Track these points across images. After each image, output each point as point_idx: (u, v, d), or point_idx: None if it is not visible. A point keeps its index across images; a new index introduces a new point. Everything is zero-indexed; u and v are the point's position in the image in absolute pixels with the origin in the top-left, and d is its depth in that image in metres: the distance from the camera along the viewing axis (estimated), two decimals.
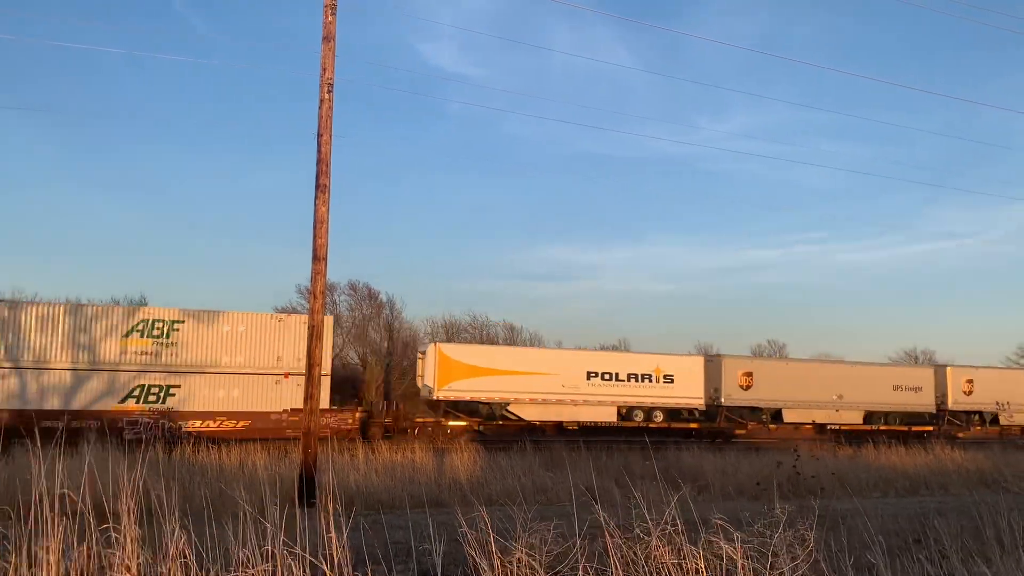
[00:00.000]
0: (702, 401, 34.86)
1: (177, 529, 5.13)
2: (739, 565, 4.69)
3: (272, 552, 4.97)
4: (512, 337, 56.26)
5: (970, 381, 39.97)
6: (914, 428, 37.78)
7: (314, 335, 14.62)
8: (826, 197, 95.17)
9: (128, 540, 5.13)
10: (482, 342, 50.72)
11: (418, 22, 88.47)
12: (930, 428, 38.57)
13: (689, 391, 34.67)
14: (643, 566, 4.93)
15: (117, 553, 5.07)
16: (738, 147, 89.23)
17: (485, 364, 32.74)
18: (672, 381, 34.37)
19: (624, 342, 61.66)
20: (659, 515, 5.40)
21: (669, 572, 4.82)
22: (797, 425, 36.58)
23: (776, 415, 36.13)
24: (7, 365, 25.12)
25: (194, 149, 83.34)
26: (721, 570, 4.83)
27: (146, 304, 37.12)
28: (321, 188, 14.73)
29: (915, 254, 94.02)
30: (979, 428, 40.24)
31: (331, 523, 5.06)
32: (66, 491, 5.35)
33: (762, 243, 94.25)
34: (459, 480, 16.41)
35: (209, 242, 79.91)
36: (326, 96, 14.92)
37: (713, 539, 4.92)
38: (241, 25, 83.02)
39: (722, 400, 34.71)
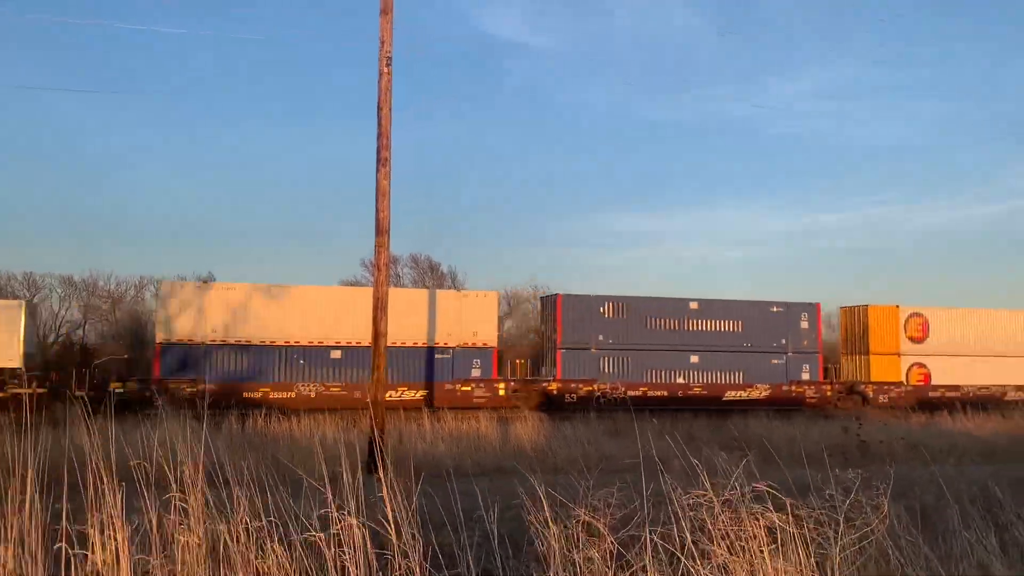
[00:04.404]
0: None
1: (242, 495, 5.29)
2: (806, 529, 4.61)
3: (336, 518, 5.08)
4: None
5: None
6: None
7: (379, 307, 14.80)
8: (899, 155, 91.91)
9: (197, 506, 5.30)
10: None
11: None
12: None
13: None
14: (708, 530, 4.89)
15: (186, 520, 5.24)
16: (806, 108, 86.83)
17: None
18: None
19: None
20: (725, 481, 5.35)
21: (734, 536, 4.76)
22: None
23: None
24: None
25: (258, 124, 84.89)
26: (788, 536, 4.75)
27: (214, 280, 37.70)
28: (382, 161, 14.83)
29: (994, 213, 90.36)
30: None
31: (394, 489, 5.14)
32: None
33: (830, 207, 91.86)
34: (524, 449, 16.51)
35: (274, 216, 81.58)
36: (385, 69, 14.96)
37: (786, 502, 4.84)
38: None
39: None
